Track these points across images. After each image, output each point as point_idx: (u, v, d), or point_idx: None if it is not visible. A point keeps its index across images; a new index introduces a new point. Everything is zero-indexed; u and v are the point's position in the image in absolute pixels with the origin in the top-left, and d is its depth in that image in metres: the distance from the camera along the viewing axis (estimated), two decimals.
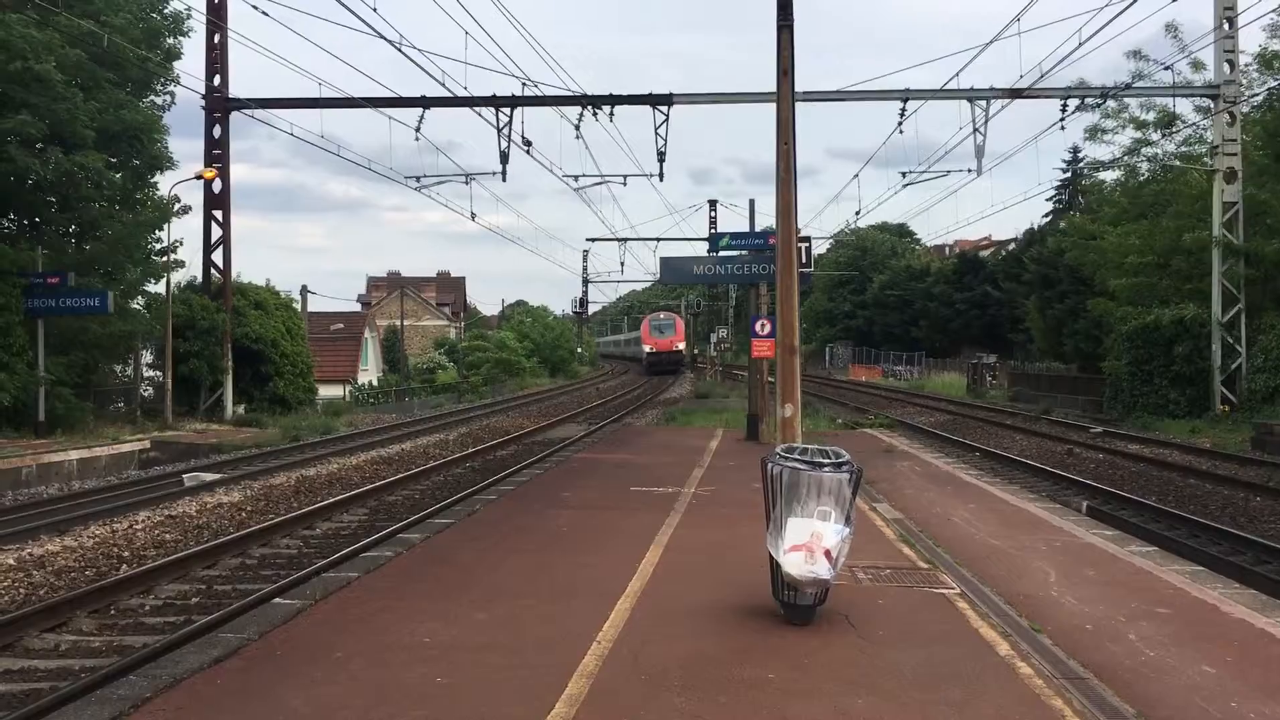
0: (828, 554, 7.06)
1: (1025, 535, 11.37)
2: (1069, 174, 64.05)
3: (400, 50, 20.95)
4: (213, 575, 11.33)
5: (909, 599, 8.30)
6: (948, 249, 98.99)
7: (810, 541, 7.01)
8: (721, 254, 22.88)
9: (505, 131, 29.56)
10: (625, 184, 33.31)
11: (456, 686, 6.03)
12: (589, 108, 29.51)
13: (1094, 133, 35.20)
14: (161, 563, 11.42)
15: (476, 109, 29.49)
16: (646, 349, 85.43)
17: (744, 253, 22.42)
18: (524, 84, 27.34)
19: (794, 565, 7.10)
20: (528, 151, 29.87)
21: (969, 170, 30.87)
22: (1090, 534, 11.54)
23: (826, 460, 7.33)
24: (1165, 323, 32.67)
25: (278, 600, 8.05)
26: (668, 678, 6.21)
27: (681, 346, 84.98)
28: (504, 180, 31.15)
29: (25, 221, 28.24)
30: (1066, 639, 7.26)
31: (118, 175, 28.02)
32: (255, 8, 24.63)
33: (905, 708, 5.80)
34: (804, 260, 19.93)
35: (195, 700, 5.81)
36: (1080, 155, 56.45)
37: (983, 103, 28.89)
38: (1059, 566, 9.69)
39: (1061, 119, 29.13)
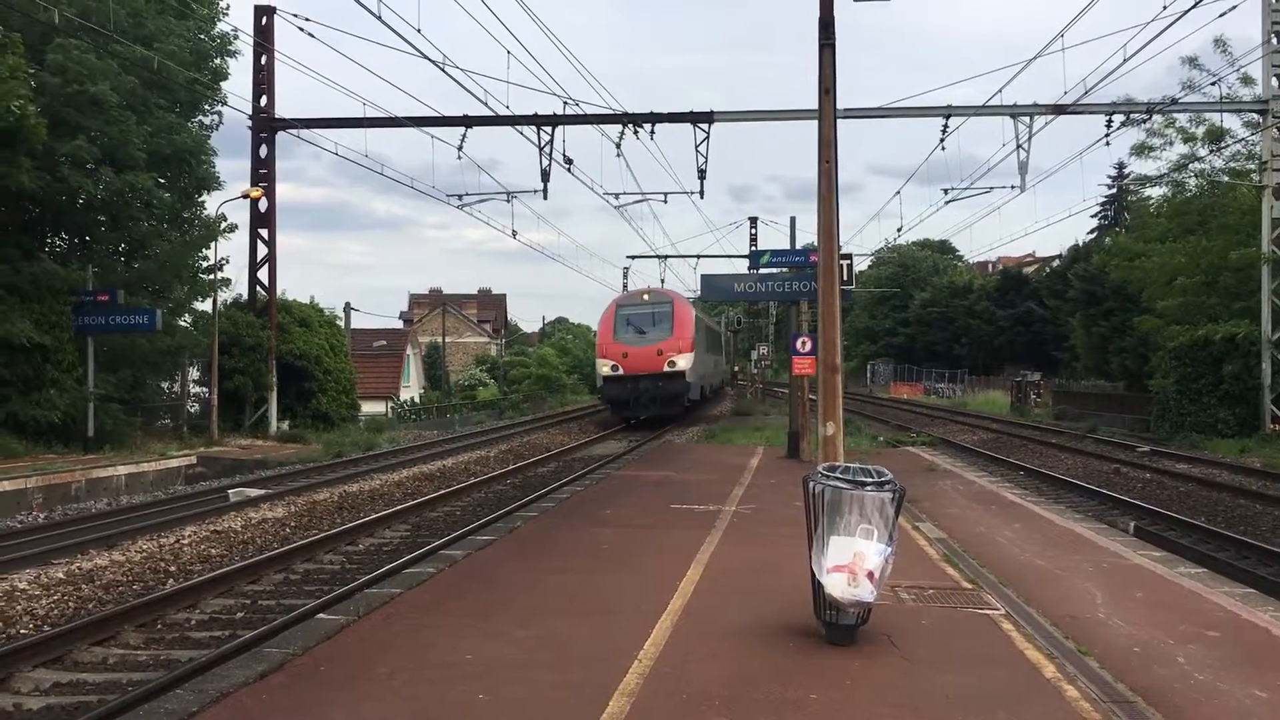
0: (870, 576, 7.01)
1: (1071, 555, 11.23)
2: (1114, 190, 63.39)
3: (443, 70, 21.17)
4: (257, 590, 11.44)
5: (953, 620, 8.22)
6: (991, 266, 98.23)
7: (853, 563, 6.97)
8: (762, 271, 22.87)
9: (546, 150, 29.73)
10: (666, 201, 33.34)
11: (498, 704, 6.05)
12: (630, 126, 29.62)
13: (1140, 149, 34.79)
14: (207, 577, 11.54)
15: (518, 128, 29.69)
16: (605, 368, 38.32)
17: (785, 270, 22.41)
18: (565, 103, 27.50)
19: (837, 587, 7.06)
20: (569, 170, 30.01)
21: (1012, 187, 30.62)
22: (1138, 554, 11.38)
23: (869, 479, 7.29)
24: (1215, 340, 32.17)
25: (321, 616, 8.12)
26: (709, 697, 6.19)
27: (684, 362, 37.99)
28: (545, 198, 31.27)
29: (76, 240, 28.80)
30: (1114, 661, 7.17)
31: (166, 195, 28.50)
32: (301, 29, 25.06)
33: None
34: (845, 277, 19.90)
35: (240, 716, 5.87)
36: (1126, 171, 55.94)
37: (1026, 119, 28.67)
38: (1106, 588, 9.56)
39: (1106, 135, 28.85)
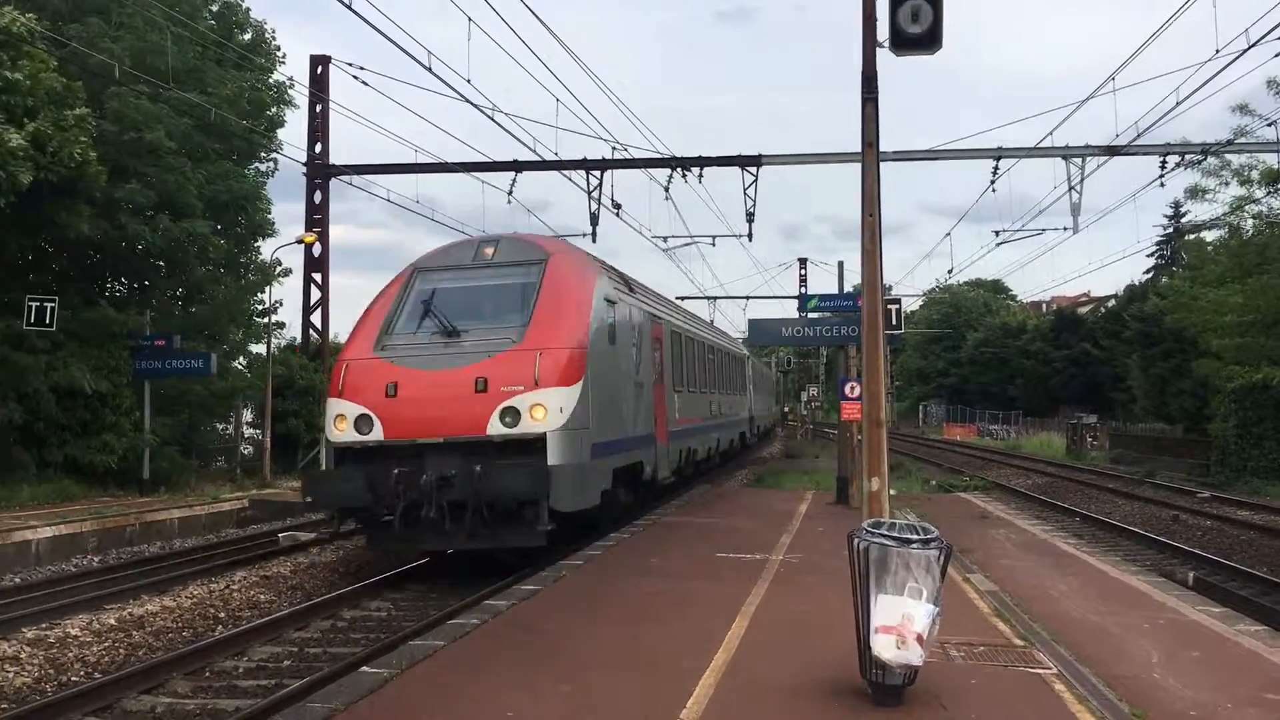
0: (919, 638, 6.89)
1: (1127, 611, 10.96)
2: (1170, 230, 62.59)
3: (491, 118, 21.44)
4: (305, 638, 11.49)
5: (1003, 679, 8.04)
6: (1044, 305, 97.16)
7: (901, 625, 6.85)
8: (811, 315, 22.80)
9: (595, 194, 29.95)
10: (714, 244, 33.26)
11: None
12: (678, 169, 29.78)
13: (1195, 192, 34.34)
14: (256, 624, 11.62)
15: (566, 172, 29.97)
16: (340, 424, 14.11)
17: (833, 314, 22.31)
18: (613, 147, 27.76)
19: (885, 649, 6.94)
20: (617, 214, 30.20)
21: (1065, 228, 30.35)
22: (1196, 610, 11.08)
23: (915, 536, 7.19)
24: (1275, 383, 31.51)
25: (365, 669, 8.11)
26: None
27: (556, 409, 13.65)
28: (594, 241, 31.40)
29: (134, 286, 29.41)
30: None
31: (223, 241, 29.06)
32: (355, 78, 25.51)
33: None
34: (894, 322, 19.76)
35: None
36: (1182, 210, 55.20)
37: (1078, 160, 28.43)
38: (1162, 646, 9.32)
39: (1160, 176, 28.52)
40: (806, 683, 7.77)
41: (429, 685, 7.67)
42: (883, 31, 9.89)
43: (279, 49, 32.15)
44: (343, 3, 15.88)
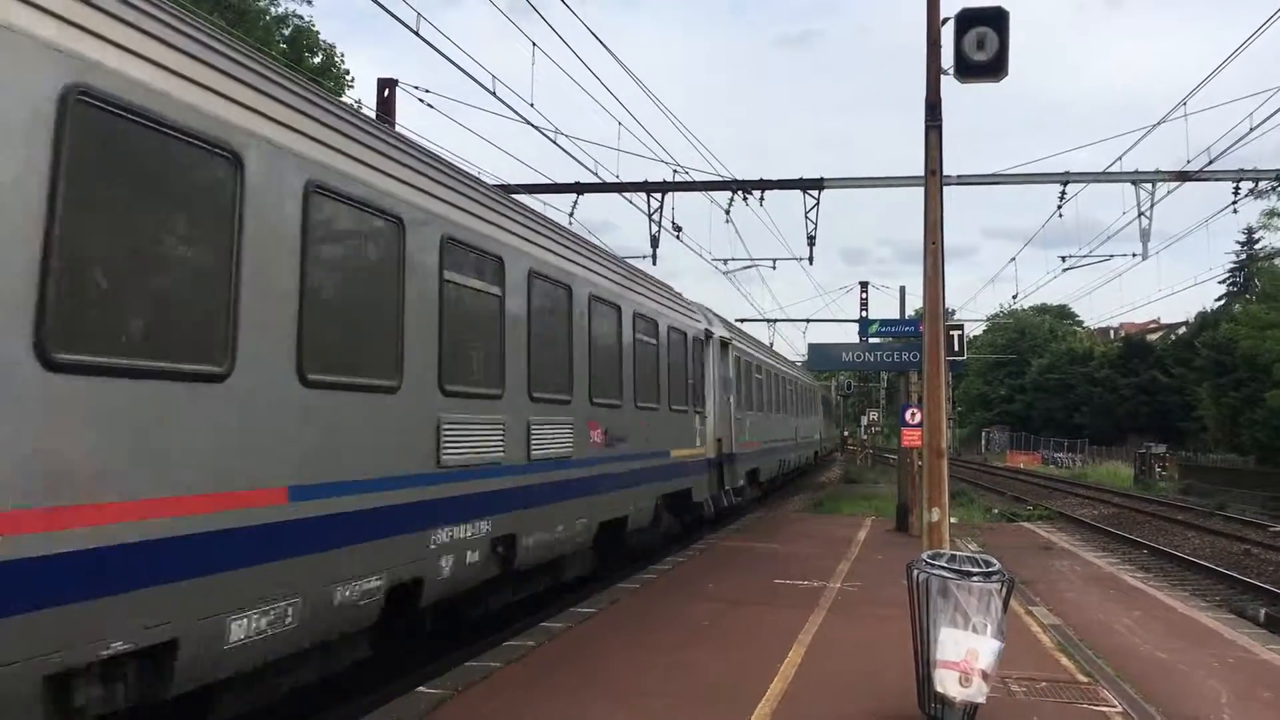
0: (984, 675, 6.79)
1: (1195, 648, 10.69)
2: (1243, 256, 61.31)
3: (554, 142, 21.60)
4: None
5: (1066, 716, 7.88)
6: (1112, 332, 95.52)
7: (965, 660, 6.75)
8: (871, 340, 22.63)
9: (656, 216, 30.02)
10: (774, 267, 33.24)
11: None
12: (739, 192, 29.76)
13: (1270, 217, 33.59)
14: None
15: (627, 195, 30.10)
16: None
17: (894, 339, 22.13)
18: (674, 170, 27.81)
19: (949, 685, 6.84)
20: (677, 236, 30.24)
21: (1134, 254, 29.78)
22: (1268, 649, 10.78)
23: (976, 569, 7.09)
24: None
25: (422, 689, 8.16)
26: None
27: None
28: (654, 263, 31.46)
29: None
30: None
31: None
32: (421, 100, 25.88)
33: None
34: (956, 348, 19.54)
35: None
36: (1255, 237, 54.04)
37: (1148, 186, 27.92)
38: (1232, 686, 9.07)
39: (1233, 202, 27.85)
40: (864, 715, 7.68)
41: (484, 707, 7.69)
42: (947, 58, 9.85)
43: (348, 72, 32.80)
44: (409, 28, 16.12)
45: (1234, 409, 47.31)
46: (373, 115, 32.45)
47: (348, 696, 8.29)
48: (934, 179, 9.67)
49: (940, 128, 9.62)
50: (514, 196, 13.57)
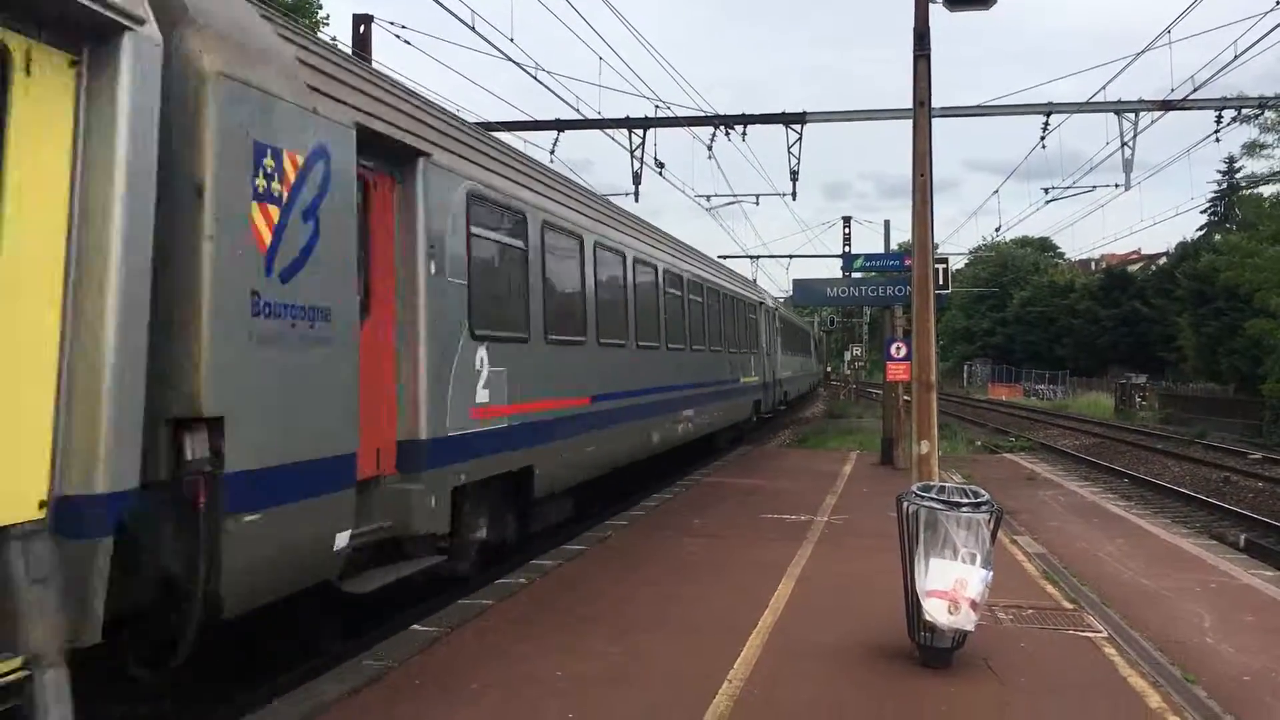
0: (973, 604, 6.87)
1: (1177, 574, 10.85)
2: (1224, 186, 61.31)
3: (534, 78, 21.31)
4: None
5: (1052, 643, 8.00)
6: (1094, 264, 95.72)
7: (954, 590, 6.83)
8: (855, 275, 22.60)
9: (638, 153, 29.75)
10: (758, 203, 33.07)
11: None
12: (721, 127, 29.48)
13: (1252, 148, 33.54)
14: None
15: (609, 131, 29.79)
16: None
17: (878, 273, 22.12)
18: (656, 106, 27.60)
19: (938, 613, 6.92)
20: (660, 172, 30.01)
21: (1116, 185, 29.73)
22: (1249, 574, 10.95)
23: (965, 499, 7.14)
24: None
25: (416, 627, 8.21)
26: None
27: None
28: (636, 200, 31.16)
29: None
30: (1223, 691, 6.91)
31: None
32: (397, 37, 25.46)
33: None
34: (941, 281, 19.53)
35: None
36: (1236, 166, 54.00)
37: (1131, 116, 27.80)
38: (1215, 610, 9.22)
39: (1216, 131, 27.78)
40: (854, 645, 7.78)
41: (478, 644, 7.76)
42: None
43: (321, 7, 32.15)
44: None
45: (1213, 338, 47.59)
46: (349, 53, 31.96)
47: (345, 636, 8.33)
48: (922, 110, 9.59)
49: (929, 58, 9.51)
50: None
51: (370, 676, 6.91)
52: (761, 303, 30.59)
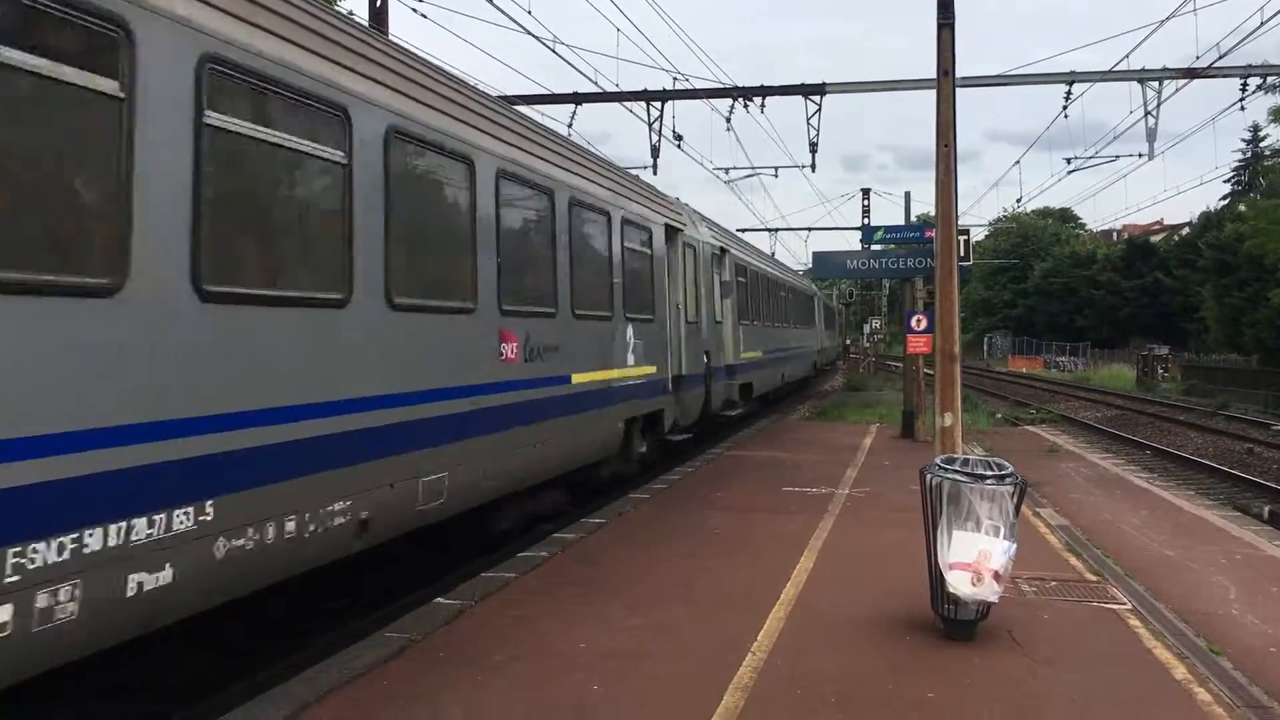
0: (996, 575, 6.85)
1: (1202, 545, 10.79)
2: (1249, 155, 60.61)
3: (553, 50, 21.22)
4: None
5: (1076, 614, 7.98)
6: (1115, 234, 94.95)
7: (977, 561, 6.81)
8: (875, 247, 22.47)
9: (656, 125, 29.60)
10: (776, 175, 32.92)
11: (612, 696, 6.09)
12: (739, 99, 29.30)
13: (1277, 116, 33.10)
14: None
15: (627, 104, 29.65)
16: None
17: (898, 246, 22.00)
18: (674, 78, 27.52)
19: (961, 585, 6.91)
20: (678, 145, 29.87)
21: (1139, 155, 29.47)
22: (1273, 545, 10.88)
23: (989, 472, 7.11)
24: None
25: (440, 600, 8.26)
26: (824, 693, 6.13)
27: None
28: (655, 173, 31.04)
29: None
30: (1248, 663, 6.88)
31: None
32: (414, 10, 25.38)
33: None
34: (962, 253, 19.40)
35: (361, 702, 6.02)
36: (1261, 135, 53.34)
37: (1155, 84, 27.46)
38: (1239, 581, 9.17)
39: (1241, 99, 27.43)
40: (876, 616, 7.78)
41: (501, 617, 7.79)
42: None
43: None
44: None
45: (1236, 309, 47.19)
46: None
47: (367, 611, 8.39)
48: (946, 79, 9.49)
49: (953, 26, 9.39)
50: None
51: (394, 649, 6.96)
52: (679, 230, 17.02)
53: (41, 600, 4.60)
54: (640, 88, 29.56)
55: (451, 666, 6.63)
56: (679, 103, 29.90)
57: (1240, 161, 64.89)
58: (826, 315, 51.19)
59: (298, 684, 6.27)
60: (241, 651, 7.17)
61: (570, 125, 29.77)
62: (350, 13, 31.59)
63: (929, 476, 7.24)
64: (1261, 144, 55.54)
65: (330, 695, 6.10)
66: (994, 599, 7.00)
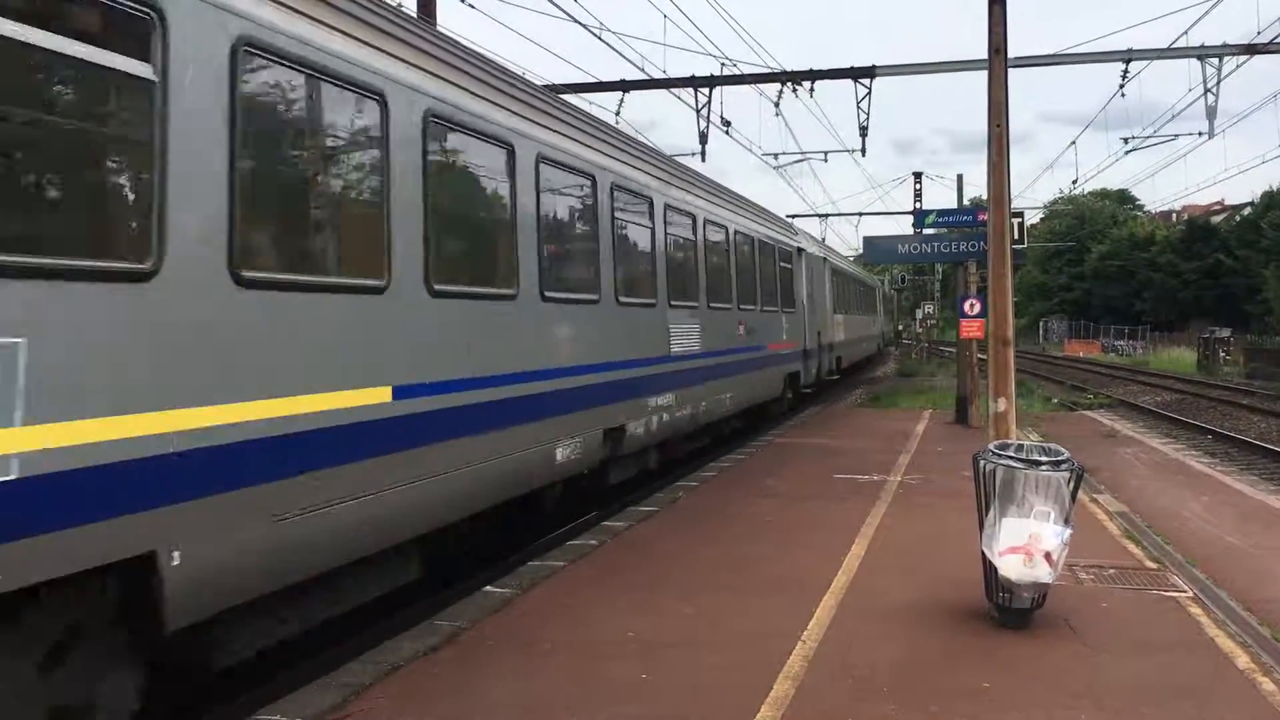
0: (1048, 557, 6.72)
1: (1265, 532, 10.55)
2: None
3: (599, 37, 21.17)
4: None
5: (1135, 602, 7.82)
6: (1175, 215, 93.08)
7: (1028, 544, 6.69)
8: (927, 231, 22.19)
9: (704, 112, 29.45)
10: (826, 160, 32.72)
11: (660, 684, 6.06)
12: (788, 84, 29.04)
13: None
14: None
15: (674, 90, 29.52)
16: None
17: (951, 230, 21.72)
18: (722, 63, 27.32)
19: (1011, 568, 6.79)
20: (726, 131, 29.71)
21: (1199, 134, 28.78)
22: None
23: (1044, 458, 6.97)
24: None
25: (489, 588, 8.28)
26: (875, 682, 6.06)
27: None
28: (703, 160, 30.96)
29: None
30: None
31: None
32: (463, 1, 25.51)
33: None
34: (1016, 236, 19.09)
35: (412, 689, 6.04)
36: None
37: (1214, 61, 26.81)
38: None
39: None
40: (929, 605, 7.67)
41: (549, 605, 7.79)
42: None
43: None
44: None
45: None
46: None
47: (412, 600, 8.42)
48: (998, 58, 9.30)
49: (1004, 3, 9.21)
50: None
51: (444, 636, 6.98)
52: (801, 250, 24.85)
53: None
54: (688, 74, 29.44)
55: (500, 654, 6.63)
56: (727, 88, 29.75)
57: None
58: (884, 303, 60.03)
59: (348, 671, 6.31)
60: (291, 640, 7.22)
61: (618, 113, 29.70)
62: (399, 3, 31.68)
63: (982, 463, 7.12)
64: None
65: (380, 682, 6.13)
66: (1048, 580, 6.86)
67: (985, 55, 10.23)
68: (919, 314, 72.09)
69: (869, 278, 46.09)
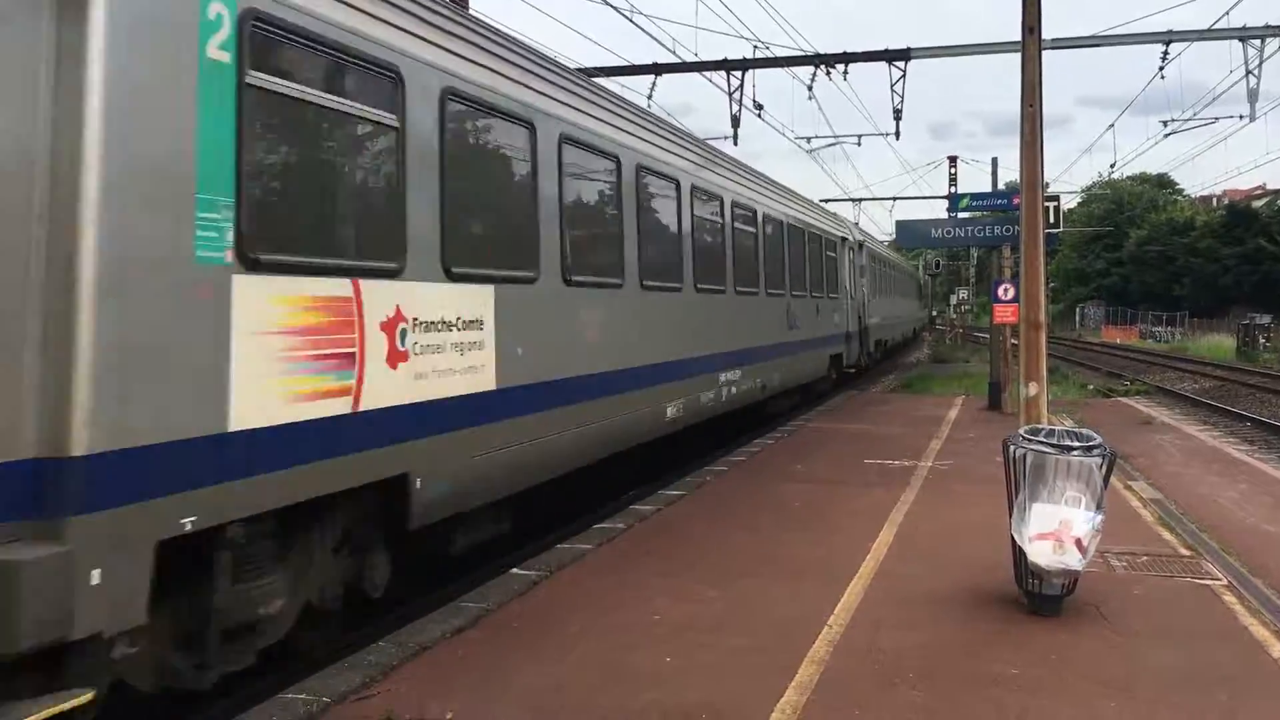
0: (1078, 543, 6.64)
1: None
2: None
3: (630, 20, 21.08)
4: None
5: (1168, 590, 7.72)
6: (1215, 200, 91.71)
7: (1059, 530, 6.61)
8: (961, 215, 21.98)
9: (736, 95, 29.28)
10: (859, 144, 32.53)
11: (686, 668, 6.04)
12: (821, 67, 28.82)
13: None
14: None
15: (706, 74, 29.37)
16: None
17: (985, 213, 21.50)
18: (755, 46, 27.20)
19: (1041, 554, 6.72)
20: (759, 115, 29.53)
21: (1240, 116, 28.36)
22: None
23: (1075, 443, 6.88)
24: None
25: (515, 571, 8.29)
26: (902, 668, 6.01)
27: None
28: (735, 144, 30.81)
29: None
30: None
31: None
32: None
33: (1162, 713, 5.39)
34: (1052, 220, 18.86)
35: (437, 671, 6.06)
36: None
37: (1256, 42, 26.34)
38: None
39: None
40: (958, 591, 7.61)
41: (576, 588, 7.80)
42: None
43: None
44: None
45: None
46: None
47: (440, 583, 8.45)
48: (1032, 37, 9.15)
49: None
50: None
51: (470, 619, 7.00)
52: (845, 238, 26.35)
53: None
54: (720, 57, 29.26)
55: (526, 637, 6.64)
56: (759, 71, 29.56)
57: None
58: (919, 288, 60.87)
59: (373, 652, 6.34)
60: (314, 622, 7.26)
61: (650, 97, 29.60)
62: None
63: (1013, 448, 7.04)
64: None
65: (405, 664, 6.16)
66: (1078, 567, 6.78)
67: (1018, 41, 10.11)
68: (953, 299, 71.61)
69: (905, 263, 47.90)
